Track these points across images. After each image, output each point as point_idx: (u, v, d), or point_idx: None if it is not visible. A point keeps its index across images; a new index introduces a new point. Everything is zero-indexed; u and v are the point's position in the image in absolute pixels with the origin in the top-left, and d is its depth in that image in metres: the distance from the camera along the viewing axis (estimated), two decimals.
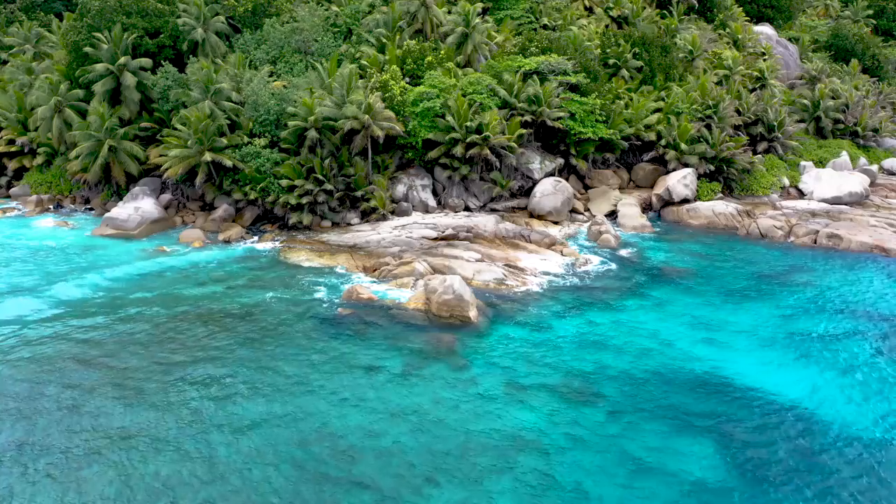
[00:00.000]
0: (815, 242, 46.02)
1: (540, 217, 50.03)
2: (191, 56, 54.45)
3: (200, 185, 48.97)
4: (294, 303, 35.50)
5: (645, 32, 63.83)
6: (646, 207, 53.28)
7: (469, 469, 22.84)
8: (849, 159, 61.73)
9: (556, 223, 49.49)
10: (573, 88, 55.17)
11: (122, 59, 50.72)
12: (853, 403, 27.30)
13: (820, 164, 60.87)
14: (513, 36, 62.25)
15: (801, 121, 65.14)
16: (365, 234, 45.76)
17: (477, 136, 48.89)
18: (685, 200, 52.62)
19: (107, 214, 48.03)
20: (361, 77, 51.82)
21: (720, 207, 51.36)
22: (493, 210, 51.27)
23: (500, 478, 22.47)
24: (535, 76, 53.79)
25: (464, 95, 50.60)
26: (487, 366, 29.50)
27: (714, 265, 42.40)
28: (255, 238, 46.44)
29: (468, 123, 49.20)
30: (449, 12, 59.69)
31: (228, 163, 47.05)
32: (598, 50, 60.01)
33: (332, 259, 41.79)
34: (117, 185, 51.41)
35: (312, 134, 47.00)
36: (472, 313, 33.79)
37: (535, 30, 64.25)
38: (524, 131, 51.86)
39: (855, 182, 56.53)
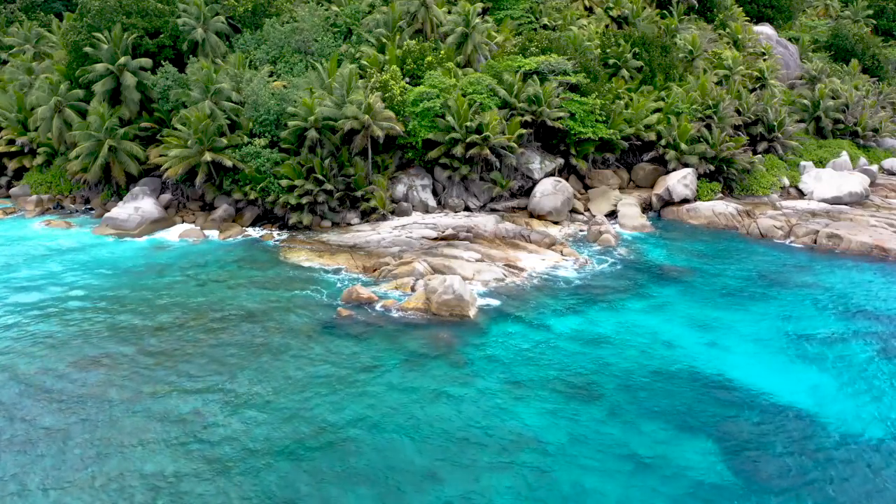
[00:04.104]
0: (815, 242, 46.02)
1: (540, 217, 50.03)
2: (191, 56, 54.48)
3: (200, 185, 48.98)
4: (294, 303, 35.51)
5: (645, 32, 63.86)
6: (646, 207, 53.29)
7: (469, 466, 22.86)
8: (849, 159, 61.73)
9: (556, 223, 49.49)
10: (573, 88, 55.18)
11: (122, 59, 50.73)
12: (853, 404, 27.28)
13: (820, 164, 60.87)
14: (513, 36, 62.27)
15: (801, 121, 65.16)
16: (365, 234, 45.76)
17: (477, 136, 48.89)
18: (685, 200, 52.62)
19: (107, 214, 48.06)
20: (361, 77, 51.83)
21: (720, 207, 51.37)
22: (493, 210, 51.27)
23: (499, 475, 22.49)
24: (535, 76, 53.81)
25: (464, 95, 50.61)
26: (487, 364, 29.52)
27: (714, 265, 42.40)
28: (255, 238, 46.43)
29: (468, 123, 49.20)
30: (449, 12, 59.69)
31: (228, 163, 47.07)
32: (598, 50, 60.01)
33: (331, 259, 41.80)
34: (117, 185, 51.42)
35: (312, 134, 47.01)
36: (472, 313, 33.85)
37: (535, 30, 64.26)
38: (524, 131, 51.86)
39: (855, 182, 56.52)
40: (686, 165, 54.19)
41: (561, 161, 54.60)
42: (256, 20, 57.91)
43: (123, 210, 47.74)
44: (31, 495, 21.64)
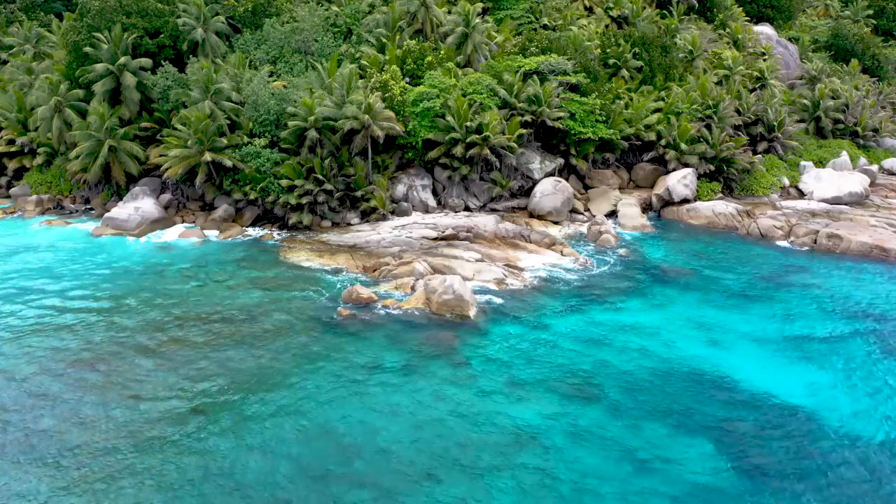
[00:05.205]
0: (815, 242, 46.01)
1: (540, 217, 50.03)
2: (191, 56, 54.45)
3: (200, 185, 48.97)
4: (294, 303, 35.50)
5: (645, 32, 63.86)
6: (646, 207, 53.29)
7: (469, 466, 22.85)
8: (849, 159, 61.74)
9: (556, 223, 49.48)
10: (573, 88, 55.18)
11: (122, 59, 50.71)
12: (853, 403, 27.30)
13: (820, 164, 60.88)
14: (513, 36, 62.28)
15: (801, 121, 65.16)
16: (365, 234, 45.76)
17: (477, 136, 48.89)
18: (685, 200, 52.62)
19: (107, 214, 48.03)
20: (361, 77, 51.83)
21: (720, 207, 51.36)
22: (493, 210, 51.27)
23: (500, 475, 22.49)
24: (535, 76, 53.80)
25: (464, 95, 50.61)
26: (487, 364, 29.52)
27: (714, 265, 42.41)
28: (255, 238, 46.42)
29: (468, 123, 49.20)
30: (449, 12, 59.71)
31: (228, 163, 47.06)
32: (598, 50, 60.01)
33: (332, 259, 41.79)
34: (117, 185, 51.39)
35: (312, 134, 47.00)
36: (472, 312, 33.85)
37: (535, 30, 64.26)
38: (524, 131, 51.86)
39: (855, 182, 56.53)
40: (686, 165, 54.18)
41: (561, 161, 54.60)
42: (256, 20, 57.91)
43: (123, 210, 47.73)
44: (27, 496, 21.63)
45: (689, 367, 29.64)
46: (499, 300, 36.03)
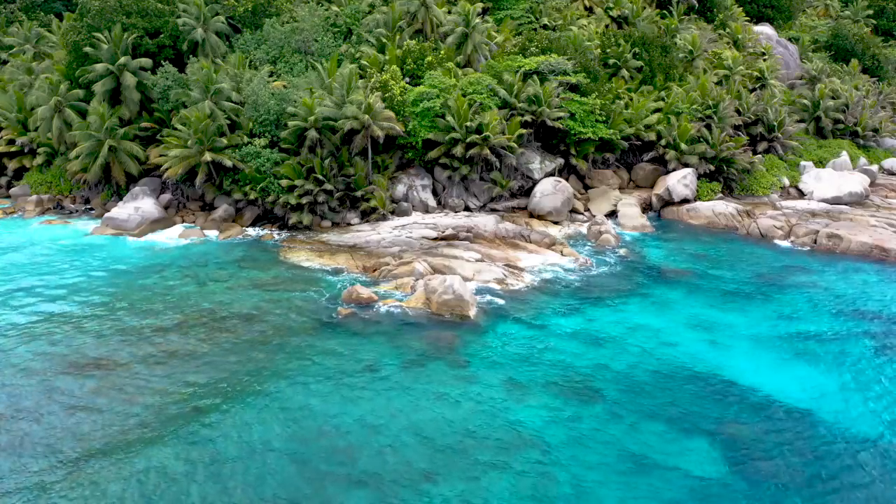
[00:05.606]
0: (815, 242, 46.01)
1: (540, 217, 50.03)
2: (191, 56, 54.46)
3: (200, 185, 48.97)
4: (294, 303, 35.49)
5: (645, 32, 63.86)
6: (646, 207, 53.29)
7: (468, 466, 22.85)
8: (849, 159, 61.74)
9: (556, 223, 49.48)
10: (573, 88, 55.18)
11: (122, 59, 50.72)
12: (853, 404, 27.29)
13: (820, 164, 60.89)
14: (513, 36, 62.29)
15: (801, 121, 65.16)
16: (365, 234, 45.76)
17: (477, 136, 48.90)
18: (685, 200, 52.62)
19: (107, 214, 48.03)
20: (361, 77, 51.83)
21: (720, 207, 51.36)
22: (493, 210, 51.27)
23: (499, 475, 22.49)
24: (535, 76, 53.80)
25: (464, 95, 50.61)
26: (487, 364, 29.52)
27: (714, 265, 42.40)
28: (255, 238, 46.42)
29: (468, 123, 49.20)
30: (449, 12, 59.71)
31: (228, 163, 47.06)
32: (598, 50, 60.02)
33: (332, 259, 41.79)
34: (117, 185, 51.39)
35: (312, 134, 47.00)
36: (472, 312, 33.84)
37: (535, 30, 64.27)
38: (524, 131, 51.86)
39: (855, 182, 56.53)
40: (686, 165, 54.19)
41: (561, 161, 54.60)
42: (256, 20, 57.92)
43: (123, 210, 47.73)
44: (15, 495, 21.63)
45: (688, 368, 29.63)
46: (499, 300, 36.03)
